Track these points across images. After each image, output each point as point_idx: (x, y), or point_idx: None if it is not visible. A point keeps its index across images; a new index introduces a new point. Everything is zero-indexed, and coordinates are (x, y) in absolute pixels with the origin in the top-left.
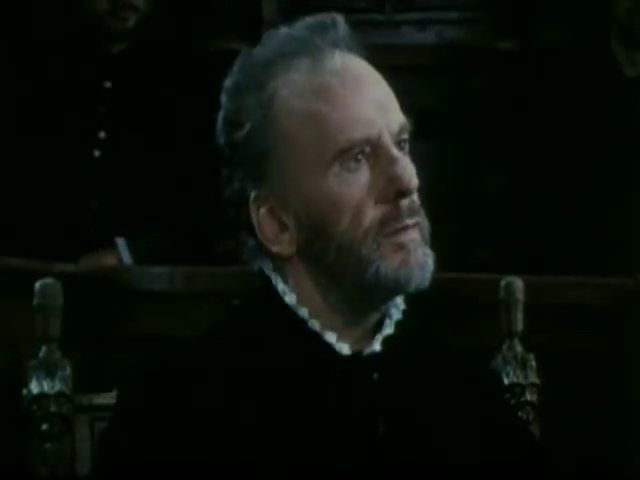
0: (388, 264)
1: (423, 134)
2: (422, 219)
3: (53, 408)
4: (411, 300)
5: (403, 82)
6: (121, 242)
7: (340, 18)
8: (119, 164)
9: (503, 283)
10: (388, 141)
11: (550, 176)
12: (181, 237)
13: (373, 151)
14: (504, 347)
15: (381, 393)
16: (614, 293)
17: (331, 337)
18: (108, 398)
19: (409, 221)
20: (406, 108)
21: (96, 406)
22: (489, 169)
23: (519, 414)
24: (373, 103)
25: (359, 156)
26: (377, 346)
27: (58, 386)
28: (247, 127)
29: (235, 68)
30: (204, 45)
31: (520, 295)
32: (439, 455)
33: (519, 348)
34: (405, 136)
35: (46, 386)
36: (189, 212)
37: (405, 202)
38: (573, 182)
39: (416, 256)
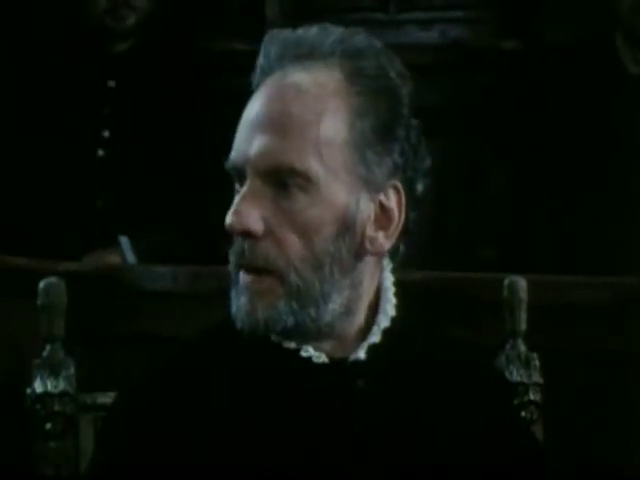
0: (233, 299)
1: (426, 133)
2: (289, 273)
3: (57, 407)
4: (412, 300)
5: None
6: (125, 241)
7: (288, 33)
8: (123, 163)
9: (506, 282)
10: (251, 176)
11: (553, 175)
12: (185, 236)
13: (243, 180)
14: (507, 346)
15: (364, 399)
16: (617, 292)
17: (306, 348)
18: (112, 397)
19: (244, 261)
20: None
21: (100, 405)
22: (492, 168)
23: (523, 414)
24: (252, 132)
25: (239, 180)
26: (361, 354)
27: (62, 385)
28: None
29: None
30: (208, 45)
31: (523, 294)
32: (425, 457)
33: (522, 347)
34: (288, 180)
35: (50, 385)
36: (193, 211)
37: (245, 243)
38: (576, 181)
39: (245, 301)
